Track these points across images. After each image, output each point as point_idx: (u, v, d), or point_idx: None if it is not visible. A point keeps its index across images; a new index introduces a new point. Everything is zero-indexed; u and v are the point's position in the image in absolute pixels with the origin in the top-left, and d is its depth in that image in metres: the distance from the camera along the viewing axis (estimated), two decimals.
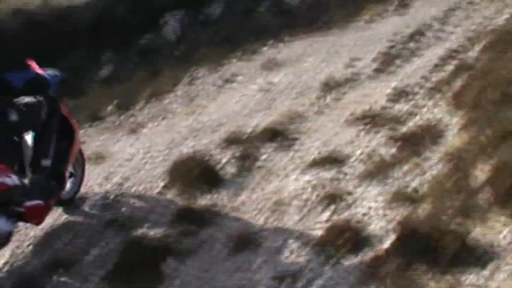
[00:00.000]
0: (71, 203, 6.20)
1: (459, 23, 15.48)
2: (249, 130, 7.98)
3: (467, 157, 5.91)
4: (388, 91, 9.18)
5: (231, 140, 7.57)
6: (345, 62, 11.24)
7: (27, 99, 5.04)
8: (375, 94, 9.17)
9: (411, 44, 12.66)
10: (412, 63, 10.96)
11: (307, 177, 6.34)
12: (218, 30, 14.11)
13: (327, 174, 6.29)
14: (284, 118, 8.22)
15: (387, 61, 11.02)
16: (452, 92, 8.62)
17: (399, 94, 8.89)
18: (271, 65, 11.41)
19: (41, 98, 5.20)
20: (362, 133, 7.45)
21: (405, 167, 6.18)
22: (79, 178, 6.37)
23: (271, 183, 6.31)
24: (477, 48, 11.93)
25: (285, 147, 7.20)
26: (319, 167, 6.48)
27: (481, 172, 5.46)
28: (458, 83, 9.17)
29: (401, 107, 8.40)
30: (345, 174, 6.27)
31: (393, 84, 9.46)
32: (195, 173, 6.46)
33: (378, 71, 10.43)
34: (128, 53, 13.53)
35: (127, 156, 7.43)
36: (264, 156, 7.02)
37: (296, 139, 7.51)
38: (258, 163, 6.83)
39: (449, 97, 8.37)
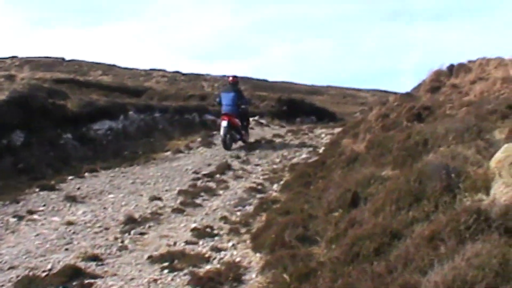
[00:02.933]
0: (246, 143, 18.16)
1: (259, 162, 16.39)
2: (48, 268, 7.55)
3: None
4: (190, 230, 9.26)
5: (28, 281, 7.03)
6: (147, 199, 11.34)
7: (243, 106, 17.98)
8: (177, 233, 9.20)
9: (212, 183, 13.10)
10: (212, 202, 11.25)
11: None
12: (18, 160, 13.60)
13: None
14: (86, 256, 7.93)
15: (188, 199, 11.21)
16: (253, 232, 8.87)
17: (201, 234, 8.99)
18: (73, 199, 11.06)
19: (246, 106, 18.32)
20: (165, 272, 7.36)
21: None
22: (248, 136, 18.60)
23: None
24: (276, 187, 12.65)
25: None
26: None
27: None
28: (258, 223, 9.50)
29: (203, 246, 8.48)
30: None
31: (194, 224, 9.57)
32: None
33: (179, 210, 10.55)
34: None
35: None
36: None
37: (98, 277, 7.19)
38: None
39: (250, 237, 8.60)
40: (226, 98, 17.62)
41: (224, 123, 17.07)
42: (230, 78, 18.75)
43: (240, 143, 18.02)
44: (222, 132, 17.09)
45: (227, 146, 17.10)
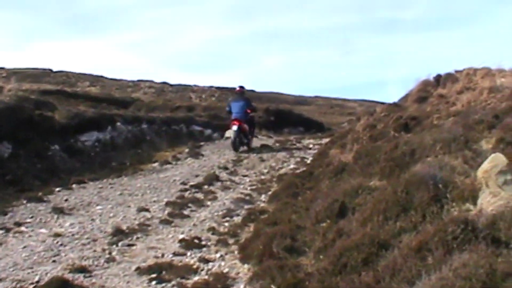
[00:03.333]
0: (250, 148, 19.89)
1: (247, 173, 16.39)
2: (36, 280, 7.48)
3: None
4: (178, 241, 9.22)
5: None
6: (135, 211, 11.28)
7: (251, 114, 20.33)
8: (165, 244, 9.16)
9: (200, 194, 13.08)
10: (200, 213, 11.21)
11: None
12: (5, 172, 13.50)
13: None
14: (73, 268, 7.88)
15: (176, 210, 11.16)
16: (240, 242, 8.85)
17: (189, 245, 8.96)
18: (61, 211, 10.95)
19: (253, 114, 20.83)
20: (153, 283, 7.33)
21: None
22: (252, 140, 20.48)
23: None
24: (264, 198, 12.67)
25: None
26: None
27: None
28: (246, 234, 9.48)
29: (191, 257, 8.45)
30: None
31: (182, 235, 9.53)
32: None
33: (167, 221, 10.50)
34: None
35: None
36: None
37: None
38: None
39: (238, 248, 8.58)
40: (236, 107, 19.67)
41: (234, 127, 19.10)
42: (237, 89, 20.99)
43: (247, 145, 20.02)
44: (232, 135, 19.26)
45: (236, 148, 19.19)
